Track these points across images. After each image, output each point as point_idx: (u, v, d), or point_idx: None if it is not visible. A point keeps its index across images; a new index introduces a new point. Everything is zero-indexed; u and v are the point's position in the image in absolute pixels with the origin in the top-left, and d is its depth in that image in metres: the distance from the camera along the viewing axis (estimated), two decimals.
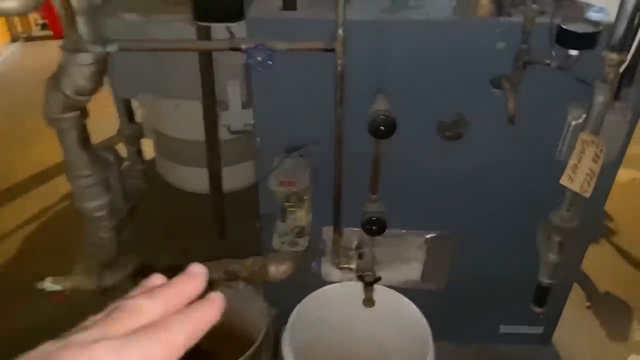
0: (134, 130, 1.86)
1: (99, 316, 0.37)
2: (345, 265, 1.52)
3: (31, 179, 2.73)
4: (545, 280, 1.40)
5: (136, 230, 1.87)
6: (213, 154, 1.39)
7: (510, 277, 1.57)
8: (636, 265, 2.16)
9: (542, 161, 1.35)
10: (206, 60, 1.27)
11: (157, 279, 0.41)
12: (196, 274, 0.40)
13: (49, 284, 1.46)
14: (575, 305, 1.85)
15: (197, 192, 2.53)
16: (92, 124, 1.47)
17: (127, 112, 1.80)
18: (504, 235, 1.50)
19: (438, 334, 1.38)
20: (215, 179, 1.44)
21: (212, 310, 0.38)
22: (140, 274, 1.46)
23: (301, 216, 1.35)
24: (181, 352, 0.35)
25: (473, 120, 1.29)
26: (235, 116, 1.40)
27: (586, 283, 2.02)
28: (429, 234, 1.50)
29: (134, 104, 1.95)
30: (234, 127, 1.44)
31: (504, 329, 1.71)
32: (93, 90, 1.32)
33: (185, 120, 2.24)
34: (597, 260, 2.06)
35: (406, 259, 1.56)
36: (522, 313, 1.63)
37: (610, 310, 1.94)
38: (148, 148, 2.61)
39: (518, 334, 1.71)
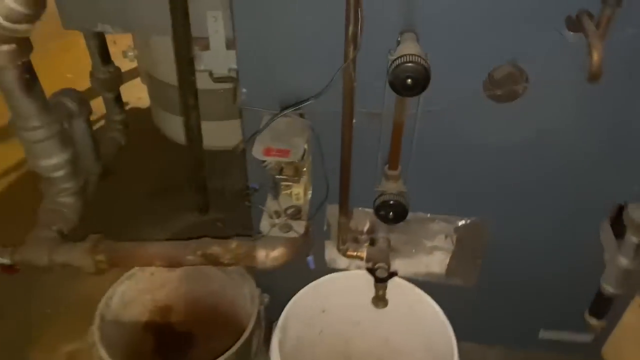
0: (110, 73, 1.55)
1: None
2: (354, 253, 1.23)
3: None
4: (609, 288, 1.08)
5: (112, 192, 1.61)
6: (188, 105, 1.08)
7: (556, 275, 1.26)
8: None
9: (626, 136, 1.00)
10: None
11: None
12: None
13: None
14: (634, 310, 1.53)
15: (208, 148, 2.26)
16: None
17: (101, 51, 1.49)
18: (555, 227, 1.17)
19: (464, 334, 1.10)
20: (192, 135, 1.14)
21: None
22: (100, 251, 1.19)
23: (298, 193, 1.05)
24: None
25: (534, 75, 0.94)
26: (218, 58, 1.08)
27: None
28: (461, 220, 1.18)
29: (109, 40, 1.64)
30: (216, 72, 1.12)
31: (544, 334, 1.41)
32: (30, 17, 1.01)
33: None
34: None
35: (429, 249, 1.25)
36: (568, 317, 1.33)
37: None
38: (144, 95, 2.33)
39: (561, 342, 1.41)
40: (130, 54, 1.79)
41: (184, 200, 1.87)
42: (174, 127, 2.20)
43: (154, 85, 2.11)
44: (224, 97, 1.33)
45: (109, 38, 1.73)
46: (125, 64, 2.42)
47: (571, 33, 0.89)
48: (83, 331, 1.50)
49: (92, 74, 1.54)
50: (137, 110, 2.52)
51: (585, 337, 1.40)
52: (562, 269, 1.23)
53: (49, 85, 1.26)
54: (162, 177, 2.05)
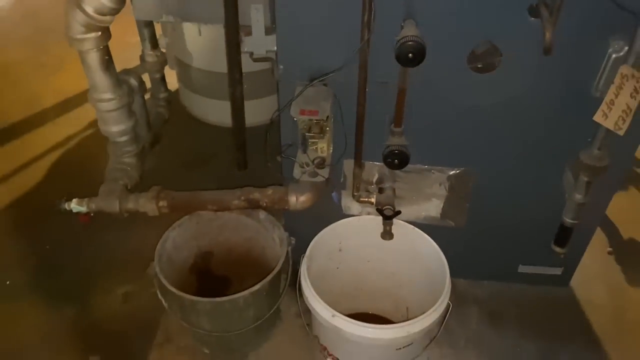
0: (157, 57, 1.84)
1: None
2: (365, 199, 1.51)
3: (56, 107, 2.75)
4: (569, 219, 1.37)
5: (158, 159, 1.89)
6: (235, 80, 1.37)
7: (532, 216, 1.55)
8: None
9: (576, 97, 1.29)
10: None
11: None
12: None
13: (75, 205, 1.49)
14: (596, 249, 1.83)
15: (220, 125, 2.54)
16: (116, 52, 1.45)
17: (151, 38, 1.77)
18: (529, 174, 1.46)
19: (455, 271, 1.39)
20: (236, 105, 1.42)
21: None
22: (162, 198, 1.48)
23: (322, 147, 1.34)
24: None
25: (506, 51, 1.23)
26: (258, 42, 1.36)
27: (609, 228, 1.98)
28: (452, 170, 1.47)
29: (158, 30, 1.92)
30: (257, 54, 1.40)
31: (522, 268, 1.71)
32: (115, 10, 1.29)
33: (208, 50, 2.21)
34: (623, 207, 2.02)
35: (427, 196, 1.55)
36: (541, 254, 1.62)
37: (631, 257, 1.91)
38: (172, 79, 2.61)
39: (536, 274, 1.71)
40: (162, 41, 2.05)
41: (218, 167, 2.16)
42: (202, 108, 2.49)
43: (184, 69, 2.40)
44: (251, 80, 1.60)
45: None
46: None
47: (532, 18, 1.17)
48: (135, 276, 1.77)
49: (141, 57, 1.82)
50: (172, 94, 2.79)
51: (556, 270, 1.70)
52: (534, 210, 1.52)
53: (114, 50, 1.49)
54: (195, 150, 2.34)
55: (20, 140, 2.52)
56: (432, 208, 1.57)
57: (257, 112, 1.83)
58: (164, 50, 1.93)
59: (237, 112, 1.45)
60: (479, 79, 1.27)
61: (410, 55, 1.09)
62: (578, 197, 1.31)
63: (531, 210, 1.54)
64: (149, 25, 1.72)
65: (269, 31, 1.36)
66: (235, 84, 1.40)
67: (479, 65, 1.25)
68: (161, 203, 1.48)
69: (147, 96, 1.74)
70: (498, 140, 1.40)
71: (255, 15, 1.34)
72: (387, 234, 1.45)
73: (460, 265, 1.46)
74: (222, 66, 1.44)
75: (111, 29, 1.38)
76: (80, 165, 2.32)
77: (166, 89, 1.93)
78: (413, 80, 1.24)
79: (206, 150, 2.36)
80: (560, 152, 1.39)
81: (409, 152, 1.30)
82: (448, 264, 1.39)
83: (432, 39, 1.16)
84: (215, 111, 2.46)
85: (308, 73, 1.31)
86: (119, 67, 1.51)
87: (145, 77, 1.80)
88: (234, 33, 1.32)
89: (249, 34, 1.38)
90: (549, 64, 1.21)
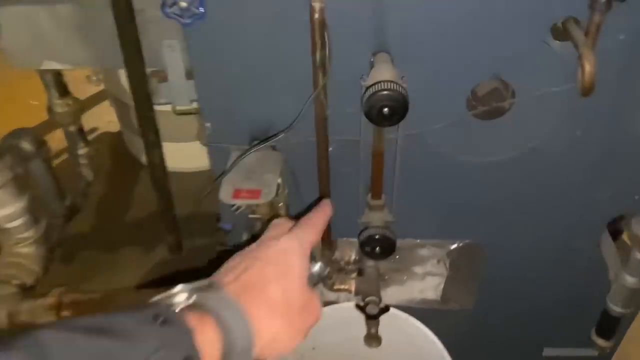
0: (69, 105, 1.45)
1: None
2: (341, 286, 1.14)
3: None
4: (617, 308, 1.01)
5: (76, 237, 1.51)
6: (150, 143, 0.99)
7: (557, 294, 1.19)
8: None
9: (621, 146, 0.93)
10: (123, 6, 0.85)
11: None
12: (326, 205, 0.72)
13: None
14: None
15: (171, 170, 2.16)
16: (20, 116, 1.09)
17: (57, 84, 1.38)
18: (553, 244, 1.10)
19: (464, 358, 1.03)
20: (157, 175, 1.04)
21: (329, 208, 0.72)
22: (65, 306, 1.09)
23: None
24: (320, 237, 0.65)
25: (520, 89, 0.87)
26: (178, 90, 0.99)
27: None
28: (453, 244, 1.10)
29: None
30: (178, 106, 1.03)
31: (548, 351, 1.34)
32: None
33: None
34: None
35: (421, 275, 1.17)
36: (571, 332, 1.26)
37: None
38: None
39: (566, 358, 1.34)
40: (94, 78, 1.69)
41: (158, 232, 1.78)
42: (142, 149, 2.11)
43: (122, 109, 2.02)
44: (195, 118, 1.25)
45: None
46: (90, 88, 2.32)
47: (558, 42, 0.82)
48: None
49: (49, 108, 1.43)
50: (108, 135, 2.42)
51: (591, 351, 1.33)
52: (563, 287, 1.16)
53: (14, 114, 1.16)
54: (137, 208, 1.95)
55: None
56: (430, 289, 1.20)
57: (200, 154, 1.47)
58: (100, 87, 1.55)
59: (159, 183, 1.07)
60: (484, 127, 0.91)
61: (385, 110, 0.72)
62: (630, 280, 0.95)
63: (556, 286, 1.17)
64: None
65: (191, 75, 0.98)
66: (151, 147, 1.02)
67: (483, 110, 0.89)
68: (64, 313, 1.09)
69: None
70: (511, 205, 1.04)
71: (169, 55, 0.96)
72: (372, 339, 1.07)
73: (470, 352, 1.10)
74: None
75: (15, 89, 1.01)
76: None
77: (86, 144, 1.54)
78: (393, 138, 0.87)
79: (145, 211, 1.96)
80: (595, 217, 1.04)
81: (395, 235, 0.92)
82: (455, 352, 1.03)
83: (417, 80, 0.80)
84: (174, 155, 2.08)
85: (248, 133, 0.94)
86: None
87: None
88: (140, 81, 0.94)
89: (166, 79, 1.00)
90: (584, 105, 0.85)
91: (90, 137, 2.30)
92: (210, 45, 0.83)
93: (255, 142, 0.90)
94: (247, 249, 0.60)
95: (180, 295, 0.49)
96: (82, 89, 1.88)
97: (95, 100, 2.55)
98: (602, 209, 1.03)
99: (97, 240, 1.78)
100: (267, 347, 0.52)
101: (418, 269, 1.16)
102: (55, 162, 1.91)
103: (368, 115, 0.73)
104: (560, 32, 0.81)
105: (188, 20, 0.72)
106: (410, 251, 1.12)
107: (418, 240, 1.10)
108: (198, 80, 0.88)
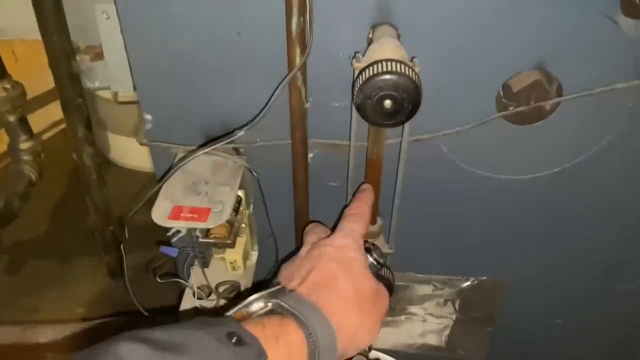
0: (8, 90, 1.20)
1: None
2: None
3: None
4: None
5: (8, 250, 1.27)
6: (79, 143, 0.76)
7: (592, 346, 0.96)
8: None
9: None
10: None
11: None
12: (368, 190, 0.67)
13: None
14: None
15: (140, 169, 1.93)
16: None
17: None
18: (586, 288, 0.87)
19: None
20: (91, 185, 0.81)
21: (370, 194, 0.66)
22: None
23: (234, 261, 0.73)
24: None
25: (569, 85, 0.64)
26: (117, 71, 0.76)
27: None
28: (466, 281, 0.87)
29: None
30: (120, 92, 0.79)
31: None
32: None
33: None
34: None
35: (423, 317, 0.94)
36: None
37: None
38: None
39: None
40: None
41: (96, 261, 1.53)
42: (114, 148, 1.88)
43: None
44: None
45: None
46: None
47: (630, 20, 0.59)
48: None
49: None
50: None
51: None
52: (599, 338, 0.94)
53: None
54: (71, 226, 1.69)
55: None
56: (433, 334, 0.97)
57: None
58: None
59: (93, 192, 0.83)
60: (517, 134, 0.68)
61: (387, 103, 0.48)
62: None
63: (592, 336, 0.95)
64: None
65: None
66: (80, 144, 0.79)
67: (519, 111, 0.66)
68: None
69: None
70: (542, 235, 0.81)
71: (104, 25, 0.73)
72: None
73: None
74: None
75: None
76: None
77: (31, 136, 1.30)
78: (395, 144, 0.64)
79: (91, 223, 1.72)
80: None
81: (392, 275, 0.68)
82: None
83: (431, 66, 0.57)
84: (122, 150, 1.85)
85: (200, 129, 0.70)
86: None
87: None
88: (61, 57, 0.71)
89: (100, 57, 0.77)
90: None
91: (49, 133, 2.06)
92: (148, 7, 0.60)
93: (208, 141, 0.67)
94: (298, 255, 0.59)
95: (255, 304, 0.49)
96: (45, 80, 1.64)
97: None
98: None
99: (48, 248, 1.55)
100: (349, 343, 0.52)
101: (417, 309, 0.93)
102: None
103: (361, 109, 0.50)
104: (634, 6, 0.58)
105: None
106: (410, 288, 0.89)
107: (421, 276, 0.87)
108: (132, 56, 0.64)
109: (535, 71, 0.63)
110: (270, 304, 0.49)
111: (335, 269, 0.54)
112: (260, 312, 0.49)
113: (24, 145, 1.31)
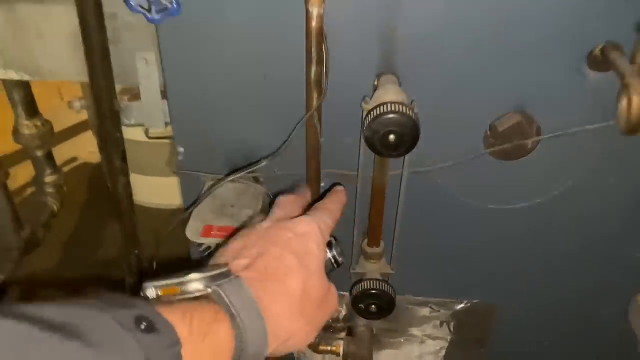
0: (37, 128, 1.31)
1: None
2: (327, 347, 0.97)
3: None
4: None
5: (30, 275, 1.35)
6: (114, 169, 0.85)
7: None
8: None
9: None
10: (90, 7, 0.73)
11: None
12: (341, 190, 0.69)
13: None
14: None
15: (154, 206, 2.02)
16: None
17: (25, 103, 1.25)
18: (578, 310, 0.95)
19: None
20: (122, 207, 0.90)
21: (343, 195, 0.68)
22: None
23: None
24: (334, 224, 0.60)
25: (547, 126, 0.75)
26: (151, 110, 0.86)
27: None
28: (460, 303, 0.95)
29: (53, 89, 1.41)
30: (152, 128, 0.90)
31: None
32: None
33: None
34: None
35: (421, 338, 1.01)
36: None
37: None
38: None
39: None
40: (77, 104, 1.56)
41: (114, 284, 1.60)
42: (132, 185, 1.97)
43: None
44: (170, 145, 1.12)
45: (53, 87, 1.51)
46: (73, 116, 2.20)
47: (594, 72, 0.70)
48: None
49: (15, 130, 1.30)
50: (88, 166, 2.29)
51: None
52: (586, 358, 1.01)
53: None
54: (109, 245, 1.79)
55: None
56: (430, 355, 1.04)
57: (174, 189, 1.33)
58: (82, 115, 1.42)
59: (123, 217, 0.92)
60: (503, 169, 0.78)
61: (391, 137, 0.58)
62: None
63: (579, 358, 1.02)
64: (21, 83, 1.20)
65: None
66: (116, 175, 0.88)
67: (503, 147, 0.76)
68: None
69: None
70: (530, 260, 0.89)
71: (143, 69, 0.84)
72: None
73: None
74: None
75: None
76: None
77: (54, 170, 1.40)
78: (397, 175, 0.74)
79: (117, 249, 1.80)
80: (626, 279, 0.90)
81: (394, 293, 0.77)
82: None
83: (427, 108, 0.67)
84: (145, 189, 1.94)
85: (226, 160, 0.80)
86: None
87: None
88: (105, 95, 0.81)
89: (137, 97, 0.88)
90: (623, 146, 0.73)
91: (68, 167, 2.17)
92: (185, 52, 0.71)
93: (233, 171, 0.76)
94: (256, 227, 0.56)
95: (194, 283, 0.45)
96: (65, 116, 1.75)
97: (78, 129, 2.44)
98: (633, 272, 0.89)
99: (59, 278, 1.61)
100: (281, 346, 0.49)
101: (417, 331, 1.00)
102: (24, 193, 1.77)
103: (370, 141, 0.60)
104: (599, 61, 0.69)
105: (157, 16, 0.59)
106: (409, 310, 0.97)
107: (419, 298, 0.95)
108: (170, 93, 0.75)
109: (517, 113, 0.74)
110: (209, 290, 0.45)
111: (290, 263, 0.50)
112: (196, 293, 0.45)
113: (49, 178, 1.40)
